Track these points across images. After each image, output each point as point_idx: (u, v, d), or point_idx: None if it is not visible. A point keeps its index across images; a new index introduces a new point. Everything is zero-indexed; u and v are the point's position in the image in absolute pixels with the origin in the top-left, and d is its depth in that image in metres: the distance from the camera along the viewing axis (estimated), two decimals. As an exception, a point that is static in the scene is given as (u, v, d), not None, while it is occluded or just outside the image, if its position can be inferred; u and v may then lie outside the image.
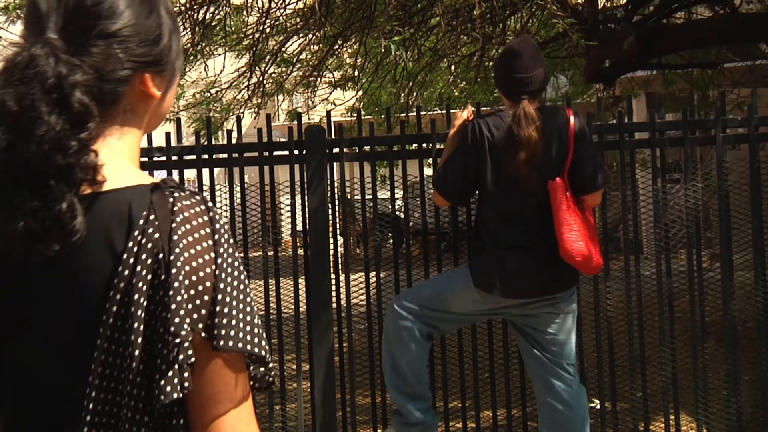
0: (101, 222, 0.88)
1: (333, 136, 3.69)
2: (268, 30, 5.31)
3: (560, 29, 4.05)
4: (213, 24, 4.98)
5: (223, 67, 5.62)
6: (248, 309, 0.91)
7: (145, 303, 0.86)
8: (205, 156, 3.54)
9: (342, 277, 3.52)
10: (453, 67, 5.08)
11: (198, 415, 0.90)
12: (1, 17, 4.42)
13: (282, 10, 5.26)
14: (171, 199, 0.90)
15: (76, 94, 0.85)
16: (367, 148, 3.65)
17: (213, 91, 6.36)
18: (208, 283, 0.88)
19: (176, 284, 0.86)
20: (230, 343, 0.88)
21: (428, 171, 4.61)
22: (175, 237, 0.87)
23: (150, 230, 0.87)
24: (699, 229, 3.57)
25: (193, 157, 3.58)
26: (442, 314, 2.93)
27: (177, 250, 0.87)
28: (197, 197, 0.92)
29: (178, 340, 0.85)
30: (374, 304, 3.60)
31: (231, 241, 0.92)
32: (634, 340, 3.46)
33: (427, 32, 5.45)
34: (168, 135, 3.64)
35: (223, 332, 0.87)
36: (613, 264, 3.61)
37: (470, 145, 2.84)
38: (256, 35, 5.28)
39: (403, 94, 6.30)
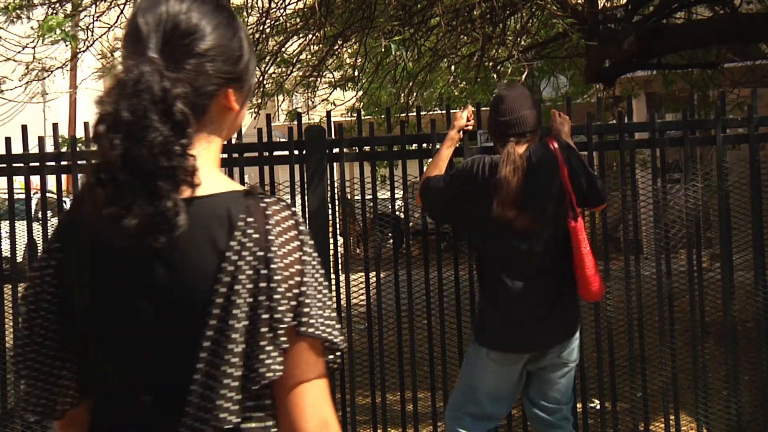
0: (204, 223, 1.02)
1: (333, 136, 3.69)
2: (268, 30, 5.31)
3: (560, 29, 4.05)
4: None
5: (223, 67, 5.61)
6: (326, 301, 1.07)
7: (246, 294, 1.00)
8: (205, 156, 3.53)
9: (342, 277, 3.52)
10: (453, 67, 5.08)
11: (281, 392, 1.05)
12: (1, 17, 4.42)
13: (282, 10, 5.26)
14: (263, 205, 1.05)
15: (178, 105, 0.99)
16: (367, 148, 3.65)
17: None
18: (297, 278, 1.04)
19: (277, 278, 1.01)
20: (310, 330, 1.03)
21: (428, 171, 4.60)
22: (272, 237, 1.03)
23: (249, 231, 1.02)
24: (699, 229, 3.57)
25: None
26: (485, 405, 2.78)
27: (274, 248, 1.02)
28: (282, 203, 1.08)
29: (283, 326, 1.01)
30: (374, 304, 3.59)
31: (312, 242, 1.08)
32: (634, 340, 3.46)
33: (427, 32, 5.44)
34: (168, 135, 3.63)
35: (305, 320, 1.03)
36: (613, 264, 3.61)
37: (463, 175, 2.78)
38: (256, 35, 5.27)
39: (403, 94, 6.29)
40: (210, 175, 1.06)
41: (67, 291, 1.08)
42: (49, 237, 1.13)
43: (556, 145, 2.73)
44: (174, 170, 0.98)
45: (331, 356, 1.09)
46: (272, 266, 1.01)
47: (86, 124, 3.82)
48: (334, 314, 1.08)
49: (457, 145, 3.26)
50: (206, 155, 1.08)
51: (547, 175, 2.69)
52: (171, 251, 1.00)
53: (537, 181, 2.67)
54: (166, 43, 1.03)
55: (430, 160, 3.64)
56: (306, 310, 1.03)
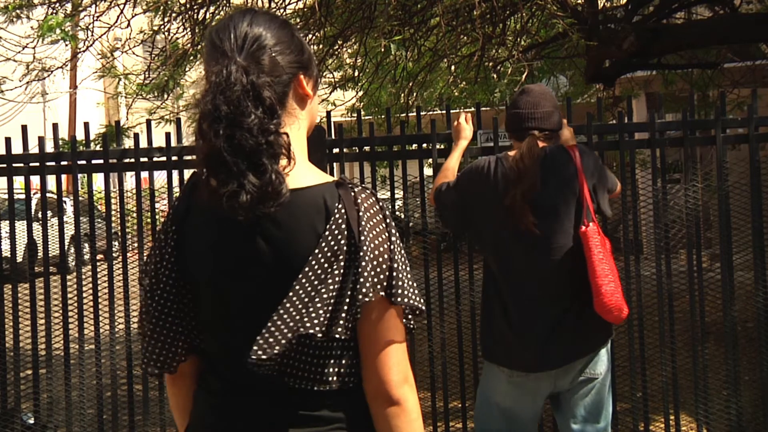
0: (305, 210, 1.22)
1: (333, 136, 3.69)
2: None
3: (560, 29, 4.05)
4: (213, 24, 4.97)
5: (223, 67, 5.62)
6: (409, 275, 1.27)
7: (338, 270, 1.20)
8: (205, 156, 3.53)
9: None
10: (453, 67, 5.07)
11: (371, 351, 1.24)
12: (1, 17, 4.42)
13: (282, 10, 5.26)
14: (353, 194, 1.24)
15: (265, 92, 1.19)
16: (367, 148, 3.65)
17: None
18: (386, 256, 1.24)
19: (366, 258, 1.20)
20: (401, 299, 1.24)
21: (428, 171, 4.60)
22: (363, 222, 1.22)
23: (343, 217, 1.21)
24: (699, 229, 3.57)
25: (193, 157, 3.57)
26: (504, 422, 2.54)
27: (365, 233, 1.21)
28: (368, 191, 1.27)
29: (364, 300, 1.20)
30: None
31: (393, 223, 1.28)
32: (634, 340, 3.46)
33: (427, 32, 5.43)
34: (168, 135, 3.63)
35: (398, 291, 1.23)
36: (613, 264, 3.61)
37: (472, 175, 2.58)
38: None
39: (403, 94, 6.28)
40: (304, 169, 1.27)
41: (185, 263, 1.29)
42: (165, 221, 1.34)
43: (577, 153, 2.52)
44: (272, 146, 1.17)
45: (410, 317, 1.31)
46: (363, 248, 1.20)
47: (86, 124, 3.82)
48: (414, 284, 1.28)
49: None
50: (296, 140, 1.28)
51: (562, 179, 2.48)
52: (279, 233, 1.22)
53: (549, 183, 2.46)
54: (241, 49, 1.24)
55: (430, 160, 3.64)
56: (398, 282, 1.23)
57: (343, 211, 1.22)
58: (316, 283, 1.21)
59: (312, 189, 1.24)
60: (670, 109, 6.03)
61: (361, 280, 1.20)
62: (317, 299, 1.20)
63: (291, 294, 1.21)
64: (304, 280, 1.21)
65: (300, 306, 1.20)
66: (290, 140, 1.22)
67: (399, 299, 1.23)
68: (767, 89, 6.06)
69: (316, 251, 1.21)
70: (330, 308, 1.20)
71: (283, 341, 1.19)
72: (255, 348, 1.20)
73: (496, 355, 2.52)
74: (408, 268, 1.27)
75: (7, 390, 3.61)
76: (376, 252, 1.22)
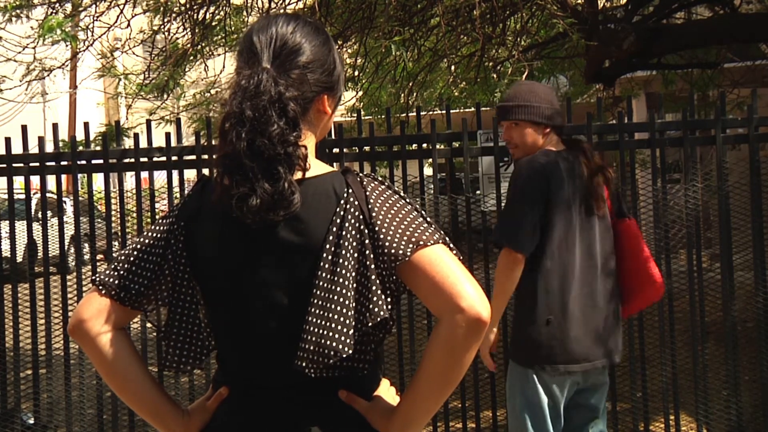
0: (316, 197, 1.26)
1: (333, 136, 3.69)
2: (268, 30, 5.28)
3: (560, 29, 4.05)
4: (213, 24, 4.97)
5: (223, 67, 5.61)
6: (429, 222, 1.28)
7: (352, 250, 1.22)
8: (205, 156, 3.54)
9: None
10: (453, 67, 5.07)
11: (441, 290, 1.20)
12: (1, 17, 4.41)
13: (282, 10, 5.26)
14: (358, 178, 1.29)
15: (290, 104, 1.22)
16: (367, 148, 3.65)
17: (213, 91, 6.36)
18: (414, 214, 1.27)
19: (383, 227, 1.22)
20: (438, 237, 1.24)
21: (428, 171, 4.59)
22: (371, 200, 1.26)
23: (351, 199, 1.25)
24: (699, 229, 3.57)
25: (193, 157, 3.58)
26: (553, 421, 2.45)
27: (376, 209, 1.25)
28: (372, 175, 1.33)
29: (404, 260, 1.20)
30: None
31: (402, 193, 1.32)
32: (634, 340, 3.46)
33: (427, 32, 5.43)
34: (168, 135, 3.63)
35: (437, 236, 1.24)
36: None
37: (541, 182, 2.42)
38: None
39: (403, 94, 6.28)
40: (313, 161, 1.29)
41: (196, 262, 1.31)
42: (165, 220, 1.35)
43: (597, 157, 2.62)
44: (289, 156, 1.20)
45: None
46: (376, 222, 1.23)
47: (86, 124, 3.82)
48: (431, 227, 1.27)
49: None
50: (308, 147, 1.30)
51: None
52: (293, 221, 1.23)
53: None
54: (276, 57, 1.26)
55: (430, 160, 3.64)
56: (432, 228, 1.25)
57: (351, 192, 1.25)
58: (338, 270, 1.21)
59: (320, 178, 1.28)
60: (670, 109, 6.02)
61: (383, 250, 1.21)
62: (348, 287, 1.20)
63: (317, 291, 1.21)
64: (323, 274, 1.22)
65: (337, 298, 1.20)
66: (307, 152, 1.25)
67: (437, 239, 1.22)
68: (767, 89, 6.06)
69: (328, 236, 1.23)
70: (367, 292, 1.21)
71: (339, 345, 1.18)
72: (306, 356, 1.20)
73: (538, 356, 2.41)
74: (427, 218, 1.28)
75: (7, 390, 3.61)
76: (397, 218, 1.24)
